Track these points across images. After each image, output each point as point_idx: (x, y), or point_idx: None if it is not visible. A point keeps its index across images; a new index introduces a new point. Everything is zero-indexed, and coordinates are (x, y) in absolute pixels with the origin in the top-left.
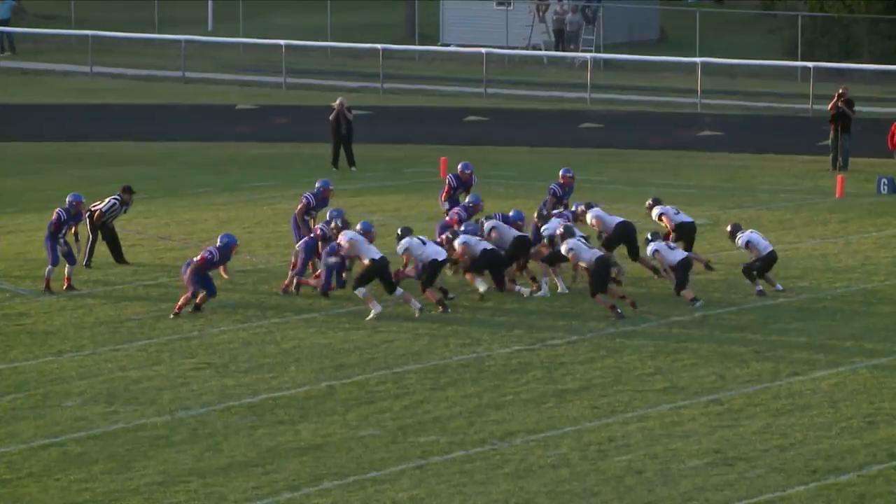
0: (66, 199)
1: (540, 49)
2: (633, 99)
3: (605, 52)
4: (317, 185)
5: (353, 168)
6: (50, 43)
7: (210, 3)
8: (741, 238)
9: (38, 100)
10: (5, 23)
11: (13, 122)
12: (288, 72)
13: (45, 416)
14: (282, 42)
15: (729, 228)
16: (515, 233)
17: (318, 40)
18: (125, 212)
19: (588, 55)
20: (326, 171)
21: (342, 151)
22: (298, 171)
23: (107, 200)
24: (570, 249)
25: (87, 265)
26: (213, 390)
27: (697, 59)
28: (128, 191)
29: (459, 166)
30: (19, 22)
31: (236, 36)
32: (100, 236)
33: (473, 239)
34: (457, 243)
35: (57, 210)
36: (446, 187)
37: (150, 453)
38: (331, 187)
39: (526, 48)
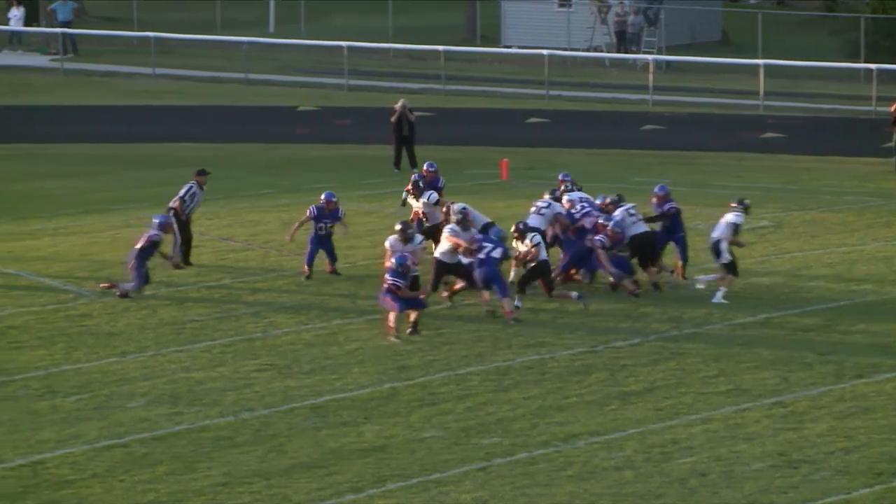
0: (154, 222)
1: (601, 51)
2: (695, 101)
3: (666, 53)
4: (322, 197)
5: (414, 170)
6: (112, 45)
7: (272, 4)
8: (533, 238)
9: (100, 101)
10: (67, 24)
11: (75, 124)
12: (349, 73)
13: (110, 417)
14: (343, 44)
15: (518, 227)
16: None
17: (379, 42)
18: (203, 198)
19: (650, 57)
20: (388, 172)
21: (404, 153)
22: (360, 172)
23: (184, 188)
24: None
25: (186, 263)
26: (276, 392)
27: (759, 61)
28: (202, 173)
29: (424, 165)
30: (82, 23)
31: (298, 37)
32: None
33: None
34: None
35: (149, 235)
36: (410, 185)
37: (213, 454)
38: (334, 199)
39: (587, 50)
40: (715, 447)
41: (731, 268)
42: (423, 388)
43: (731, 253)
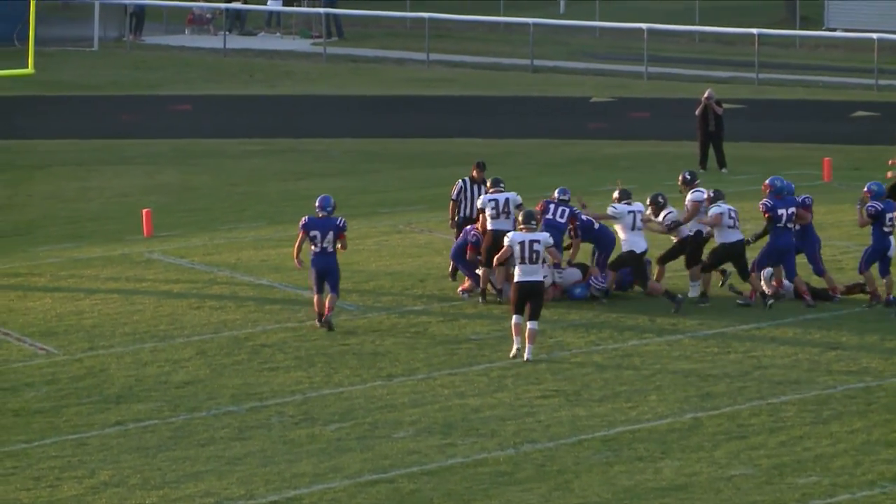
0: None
1: None
2: None
3: None
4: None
5: (723, 170)
6: (381, 27)
7: None
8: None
9: (367, 91)
10: (332, 4)
11: (340, 116)
12: (649, 60)
13: (374, 449)
14: (643, 26)
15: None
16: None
17: (683, 24)
18: (479, 193)
19: None
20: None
21: (711, 151)
22: (660, 172)
23: (455, 186)
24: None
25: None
26: (563, 421)
27: None
28: (479, 167)
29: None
30: (348, 3)
31: (591, 19)
32: None
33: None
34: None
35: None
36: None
37: (491, 492)
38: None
39: None
40: None
41: None
42: (730, 418)
43: None
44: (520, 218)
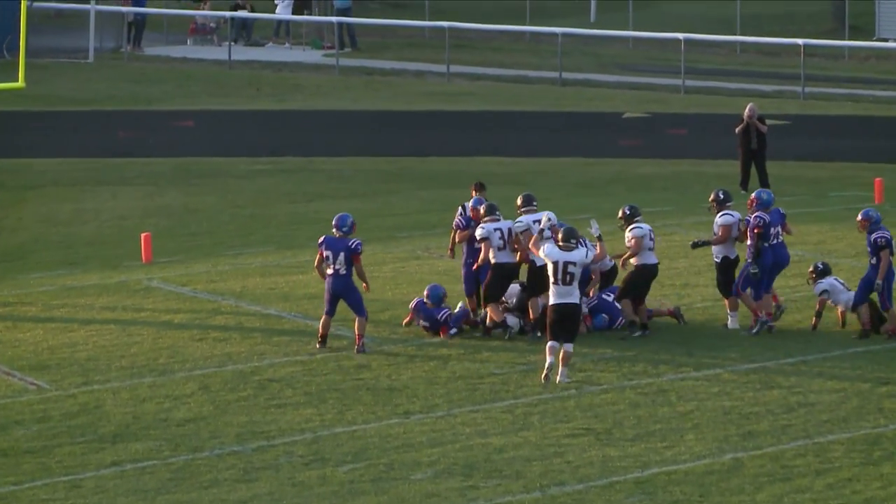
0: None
1: None
2: None
3: None
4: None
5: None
6: (398, 37)
7: None
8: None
9: (383, 105)
10: (345, 12)
11: (353, 133)
12: (687, 72)
13: (389, 491)
14: (680, 36)
15: None
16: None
17: (723, 33)
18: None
19: None
20: (734, 194)
21: (753, 170)
22: (698, 193)
23: (456, 212)
24: None
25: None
26: (593, 462)
27: None
28: (478, 188)
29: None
30: (362, 11)
31: (624, 28)
32: None
33: None
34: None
35: None
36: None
37: None
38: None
39: None
40: None
41: None
42: (773, 459)
43: None
44: (559, 235)
